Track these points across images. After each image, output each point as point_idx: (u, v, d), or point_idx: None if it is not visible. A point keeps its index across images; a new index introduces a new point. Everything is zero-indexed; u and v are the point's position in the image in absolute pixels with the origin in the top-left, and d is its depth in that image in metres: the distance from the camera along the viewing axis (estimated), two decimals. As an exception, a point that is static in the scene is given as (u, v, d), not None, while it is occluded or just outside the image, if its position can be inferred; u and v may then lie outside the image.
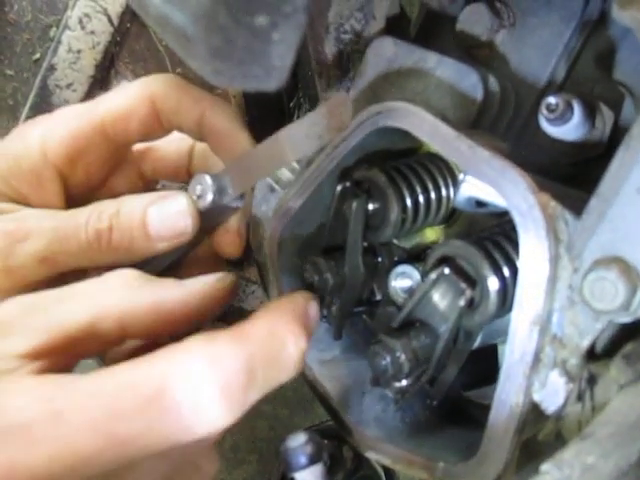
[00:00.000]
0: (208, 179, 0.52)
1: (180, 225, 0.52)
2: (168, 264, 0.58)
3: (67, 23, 1.00)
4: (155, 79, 0.57)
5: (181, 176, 0.64)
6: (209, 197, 0.52)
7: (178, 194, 0.53)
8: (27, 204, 0.55)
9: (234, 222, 0.58)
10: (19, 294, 0.51)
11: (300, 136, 0.49)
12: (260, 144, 0.53)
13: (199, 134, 0.58)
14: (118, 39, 1.03)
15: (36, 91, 1.01)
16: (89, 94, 1.02)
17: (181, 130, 0.60)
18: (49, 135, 0.55)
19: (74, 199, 0.57)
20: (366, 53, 0.59)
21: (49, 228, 0.51)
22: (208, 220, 0.56)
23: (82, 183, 0.58)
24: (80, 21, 1.00)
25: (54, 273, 0.53)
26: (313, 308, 0.49)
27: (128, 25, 1.03)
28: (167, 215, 0.52)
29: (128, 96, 0.56)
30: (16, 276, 0.51)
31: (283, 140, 0.50)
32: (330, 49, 0.60)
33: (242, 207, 0.58)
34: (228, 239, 0.58)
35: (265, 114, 1.27)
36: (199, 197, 0.52)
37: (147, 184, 0.64)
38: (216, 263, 0.60)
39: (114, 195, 0.60)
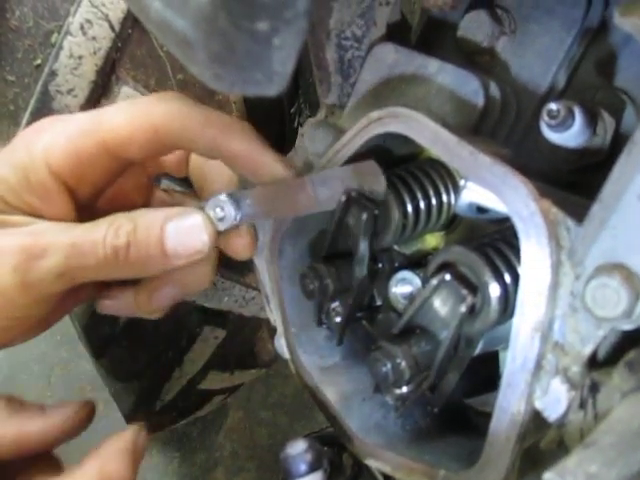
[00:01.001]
0: (229, 203, 0.52)
1: (197, 244, 0.52)
2: None
3: (68, 29, 1.00)
4: (159, 101, 0.55)
5: (183, 169, 0.63)
6: (229, 221, 0.52)
7: (195, 212, 0.52)
8: (40, 216, 0.54)
9: (245, 225, 0.57)
10: (35, 308, 0.53)
11: (330, 187, 0.52)
12: (291, 180, 0.54)
13: (215, 157, 0.56)
14: (119, 45, 1.03)
15: (37, 96, 1.01)
16: (90, 100, 1.02)
17: (193, 151, 0.59)
18: (52, 151, 0.54)
19: (83, 206, 0.57)
20: (367, 59, 0.60)
21: (67, 244, 0.50)
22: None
23: (89, 193, 0.57)
24: (81, 27, 1.00)
25: (70, 286, 0.53)
26: (141, 439, 0.53)
27: (129, 31, 1.03)
28: (184, 233, 0.51)
29: (128, 121, 0.54)
30: (33, 291, 0.51)
31: (313, 187, 0.53)
32: (331, 55, 0.60)
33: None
34: (240, 242, 0.56)
35: (266, 120, 1.27)
36: (219, 219, 0.52)
37: (150, 179, 0.63)
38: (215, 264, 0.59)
39: (121, 194, 0.60)
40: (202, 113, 0.54)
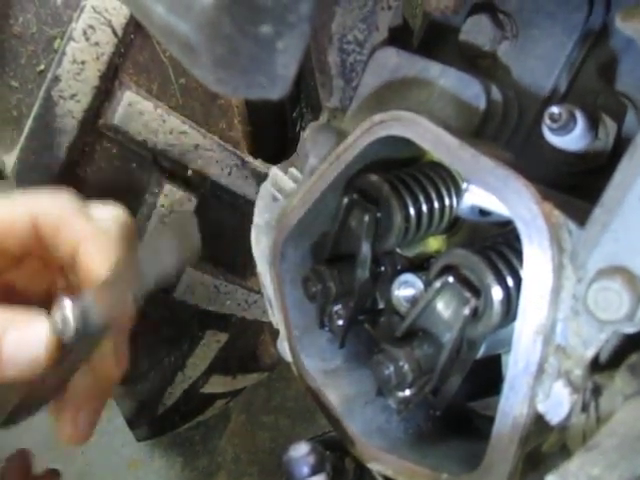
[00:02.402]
0: (69, 309, 0.47)
1: (32, 354, 0.47)
2: (45, 394, 0.53)
3: (71, 35, 1.00)
4: (42, 199, 0.54)
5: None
6: (71, 328, 0.47)
7: (38, 319, 0.48)
8: None
9: (110, 345, 0.54)
10: None
11: (153, 258, 0.49)
12: (113, 270, 0.51)
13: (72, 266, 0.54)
14: (122, 50, 1.03)
15: (40, 102, 1.01)
16: (93, 105, 1.03)
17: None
18: None
19: None
20: (369, 63, 0.60)
21: None
22: (82, 347, 0.50)
23: None
24: (84, 33, 1.01)
25: None
26: None
27: (132, 36, 1.04)
28: (24, 342, 0.47)
29: (7, 213, 0.53)
30: None
31: (137, 263, 0.50)
32: (333, 59, 0.61)
33: (116, 329, 0.53)
34: (105, 366, 0.54)
35: (268, 124, 1.27)
36: (63, 326, 0.47)
37: (59, 271, 0.59)
38: (101, 390, 0.55)
39: (14, 288, 0.57)
40: (77, 217, 0.53)
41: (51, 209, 0.54)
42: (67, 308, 0.47)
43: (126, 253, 0.54)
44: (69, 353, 0.48)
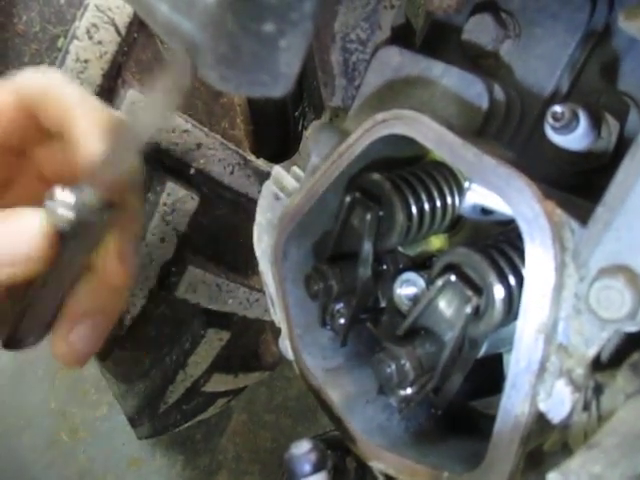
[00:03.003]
0: (63, 193, 0.43)
1: (23, 249, 0.43)
2: (47, 305, 0.48)
3: (75, 33, 1.01)
4: (26, 76, 0.49)
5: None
6: (68, 214, 0.43)
7: (24, 212, 0.44)
8: None
9: (113, 244, 0.48)
10: None
11: (145, 116, 0.43)
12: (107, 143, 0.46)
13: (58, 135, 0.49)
14: (125, 49, 1.04)
15: (44, 100, 1.02)
16: (96, 103, 1.03)
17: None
18: None
19: None
20: (371, 62, 0.60)
21: None
22: (81, 240, 0.45)
23: None
24: (88, 31, 1.01)
25: None
26: None
27: (135, 35, 1.04)
28: (17, 234, 0.43)
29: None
30: None
31: (129, 124, 0.45)
32: (336, 58, 0.61)
33: (118, 217, 0.47)
34: (108, 267, 0.48)
35: (270, 123, 1.27)
36: (59, 215, 0.43)
37: (43, 181, 0.54)
38: (104, 299, 0.49)
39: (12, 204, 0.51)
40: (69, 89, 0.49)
41: (37, 81, 0.49)
42: (61, 193, 0.43)
43: (118, 122, 0.49)
44: (67, 247, 0.44)
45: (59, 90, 0.49)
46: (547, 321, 0.43)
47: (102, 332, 0.49)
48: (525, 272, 0.45)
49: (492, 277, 0.47)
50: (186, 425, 1.49)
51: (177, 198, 1.11)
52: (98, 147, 0.46)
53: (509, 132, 0.57)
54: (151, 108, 0.43)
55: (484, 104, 0.54)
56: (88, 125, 0.48)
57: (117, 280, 0.48)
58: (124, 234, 0.49)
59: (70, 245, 0.44)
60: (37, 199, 0.47)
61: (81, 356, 0.49)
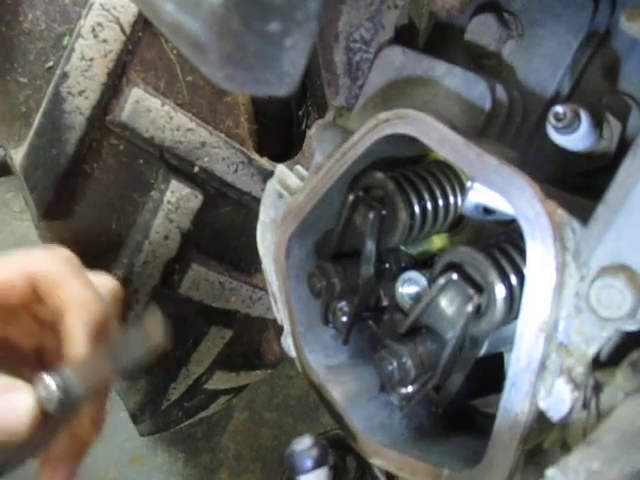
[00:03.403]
0: (52, 382, 0.51)
1: (12, 425, 0.49)
2: (24, 455, 0.55)
3: (80, 32, 1.01)
4: (40, 258, 0.56)
5: None
6: (55, 400, 0.50)
7: (22, 389, 0.50)
8: None
9: (88, 411, 0.57)
10: None
11: (124, 349, 0.55)
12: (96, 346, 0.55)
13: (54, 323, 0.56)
14: (130, 48, 1.04)
15: (49, 98, 1.02)
16: (101, 102, 1.03)
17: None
18: None
19: None
20: (375, 62, 0.60)
21: None
22: (61, 413, 0.53)
23: None
24: (93, 30, 1.01)
25: None
26: None
27: (140, 34, 1.04)
28: (11, 410, 0.49)
29: (5, 275, 0.55)
30: None
31: (119, 343, 0.55)
32: (339, 57, 0.61)
33: (96, 397, 0.56)
34: (82, 430, 0.56)
35: (274, 122, 1.28)
36: (46, 398, 0.50)
37: (47, 328, 0.60)
38: (76, 453, 0.58)
39: (9, 340, 0.59)
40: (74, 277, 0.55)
41: (48, 268, 0.55)
42: (49, 379, 0.51)
43: (111, 328, 0.57)
44: (51, 419, 0.52)
45: (61, 280, 0.55)
46: (548, 320, 0.44)
47: (74, 473, 0.58)
48: (526, 271, 0.45)
49: (493, 276, 0.48)
50: (188, 422, 1.49)
51: (181, 196, 1.11)
52: (81, 352, 0.54)
53: (511, 132, 0.58)
54: (135, 342, 0.54)
55: (487, 104, 0.55)
56: (77, 327, 0.54)
57: (89, 439, 0.57)
58: (99, 403, 0.58)
59: (53, 417, 0.52)
60: (33, 335, 0.58)
61: None
